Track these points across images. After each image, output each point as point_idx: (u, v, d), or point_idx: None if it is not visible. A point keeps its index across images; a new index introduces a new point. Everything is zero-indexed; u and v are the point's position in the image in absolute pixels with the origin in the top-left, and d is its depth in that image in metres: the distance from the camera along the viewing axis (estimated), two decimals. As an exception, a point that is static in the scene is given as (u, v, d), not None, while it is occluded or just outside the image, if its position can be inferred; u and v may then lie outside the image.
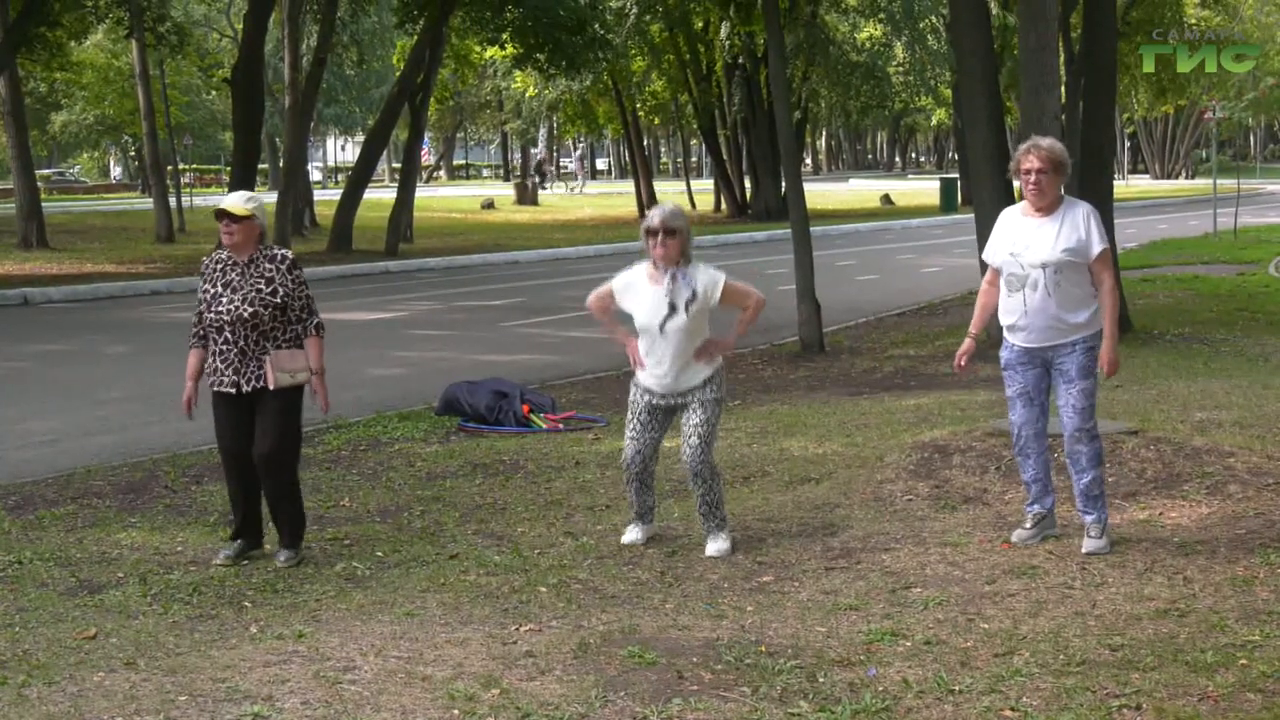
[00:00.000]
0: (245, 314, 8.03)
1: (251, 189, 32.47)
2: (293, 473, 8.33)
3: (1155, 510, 8.58)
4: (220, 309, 8.08)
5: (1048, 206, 7.78)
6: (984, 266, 8.20)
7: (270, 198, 32.03)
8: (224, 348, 8.11)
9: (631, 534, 8.38)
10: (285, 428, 8.19)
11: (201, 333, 8.26)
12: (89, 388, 15.49)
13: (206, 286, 8.21)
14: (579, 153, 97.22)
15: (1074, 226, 7.71)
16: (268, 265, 8.11)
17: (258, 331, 8.07)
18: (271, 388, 8.06)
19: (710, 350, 8.06)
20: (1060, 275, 7.67)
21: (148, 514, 9.52)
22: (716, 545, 8.11)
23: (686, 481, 8.26)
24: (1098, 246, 7.73)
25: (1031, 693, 5.65)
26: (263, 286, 8.06)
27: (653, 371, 8.06)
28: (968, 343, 8.17)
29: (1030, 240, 7.74)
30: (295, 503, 8.30)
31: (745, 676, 5.93)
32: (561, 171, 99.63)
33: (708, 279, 7.99)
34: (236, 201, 8.15)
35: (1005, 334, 7.96)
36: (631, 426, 8.24)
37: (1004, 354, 7.99)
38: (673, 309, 7.92)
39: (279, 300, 8.08)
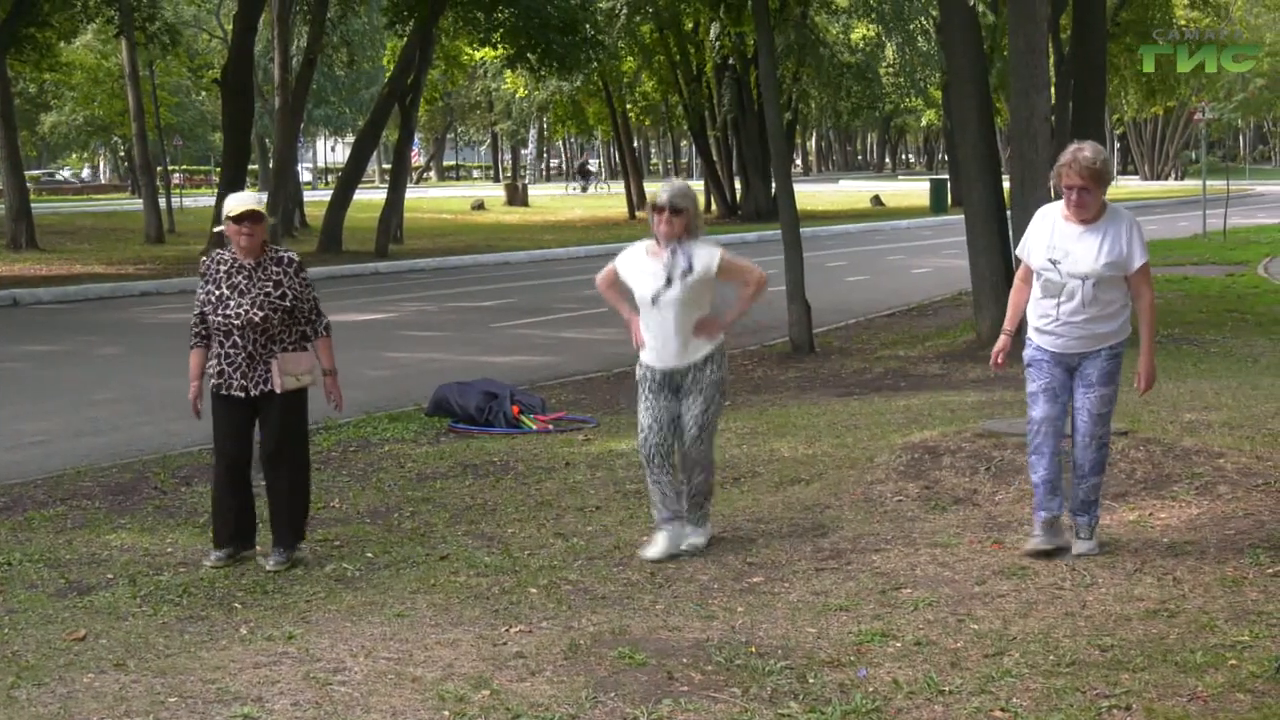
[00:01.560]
0: (256, 318, 7.97)
1: (241, 190, 32.50)
2: (302, 471, 8.29)
3: (1145, 511, 8.58)
4: (229, 312, 7.99)
5: (1091, 217, 7.67)
6: (1016, 262, 8.06)
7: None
8: (232, 352, 8.03)
9: (656, 546, 8.05)
10: (291, 427, 8.19)
11: (204, 333, 8.18)
12: (79, 389, 15.47)
13: (210, 288, 8.09)
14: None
15: (1117, 239, 7.55)
16: (275, 268, 8.05)
17: (266, 335, 8.02)
18: (279, 390, 8.03)
19: (710, 327, 8.02)
20: (1099, 288, 7.58)
21: (137, 515, 9.51)
22: (695, 540, 8.10)
23: (681, 468, 8.21)
24: (1139, 260, 7.60)
25: (1021, 693, 5.65)
26: (271, 290, 8.01)
27: (652, 346, 8.04)
28: (1003, 340, 8.01)
29: (1071, 248, 7.59)
30: (300, 502, 8.26)
31: (735, 677, 5.93)
32: (597, 172, 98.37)
33: (706, 252, 7.95)
34: (253, 202, 8.09)
35: (1032, 333, 7.85)
36: (643, 405, 8.16)
37: (1029, 351, 7.88)
38: (669, 281, 7.90)
39: (288, 304, 8.04)
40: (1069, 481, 7.94)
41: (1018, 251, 8.04)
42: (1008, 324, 8.09)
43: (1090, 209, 7.57)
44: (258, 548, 8.35)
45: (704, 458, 8.12)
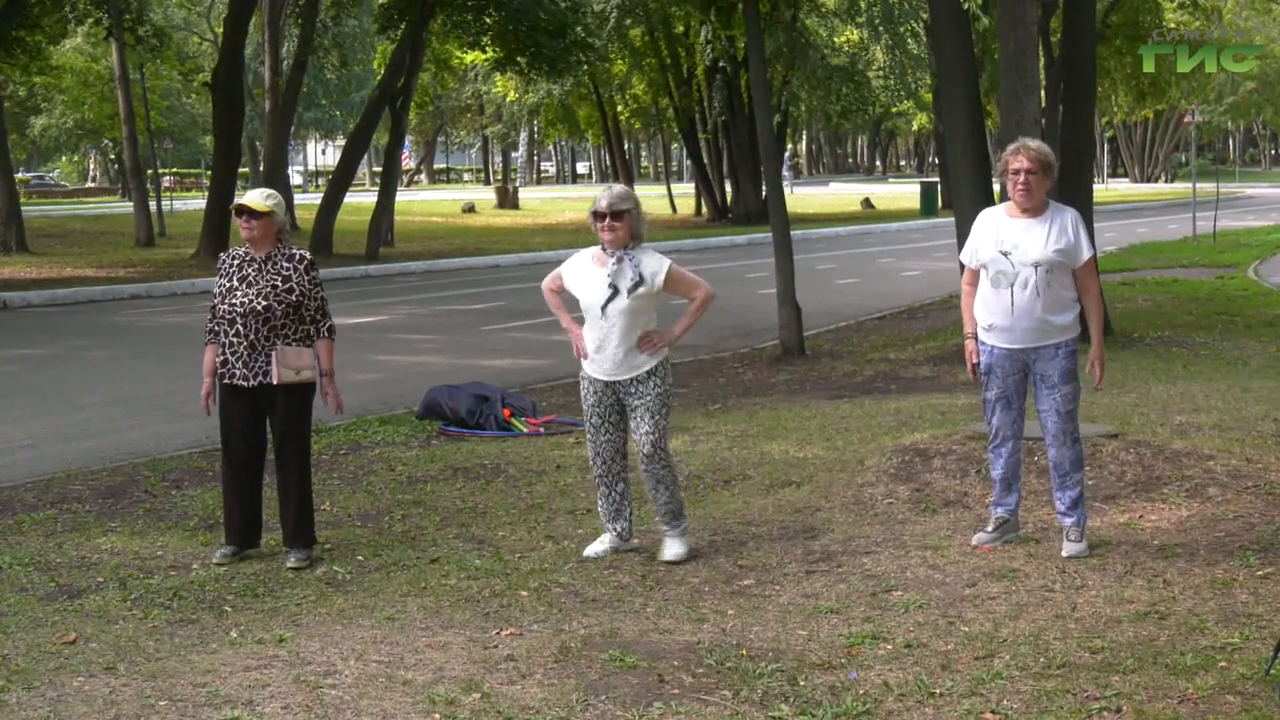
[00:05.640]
0: (259, 307, 8.09)
1: (232, 193, 32.49)
2: (301, 472, 8.36)
3: (1135, 513, 8.59)
4: (234, 301, 8.16)
5: (1035, 208, 7.77)
6: (964, 268, 8.18)
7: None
8: (234, 340, 8.17)
9: (595, 546, 8.24)
10: (290, 428, 8.28)
11: (215, 328, 8.31)
12: (68, 392, 15.45)
13: (222, 281, 8.29)
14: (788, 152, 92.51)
15: (1063, 229, 7.72)
16: (285, 264, 8.21)
17: (268, 326, 8.13)
18: (275, 382, 8.12)
19: (654, 341, 7.94)
20: (1050, 275, 7.69)
21: (127, 518, 9.49)
22: (675, 550, 8.03)
23: (645, 489, 8.20)
24: (1086, 252, 7.77)
25: (1012, 695, 5.66)
26: (279, 283, 8.15)
27: (595, 356, 7.99)
28: (970, 345, 8.06)
29: (1020, 240, 7.72)
30: (303, 501, 8.32)
31: (726, 680, 5.93)
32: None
33: (654, 264, 7.90)
34: (256, 198, 8.26)
35: (983, 335, 7.93)
36: (589, 427, 8.19)
37: (984, 357, 7.97)
38: (615, 291, 7.84)
39: (294, 298, 8.17)
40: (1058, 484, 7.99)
41: (962, 256, 8.17)
42: (968, 328, 8.14)
43: (1036, 196, 7.78)
44: (265, 544, 8.47)
45: (664, 475, 8.05)
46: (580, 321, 8.12)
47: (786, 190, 70.09)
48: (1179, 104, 63.37)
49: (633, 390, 7.97)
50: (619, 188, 8.09)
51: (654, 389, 7.97)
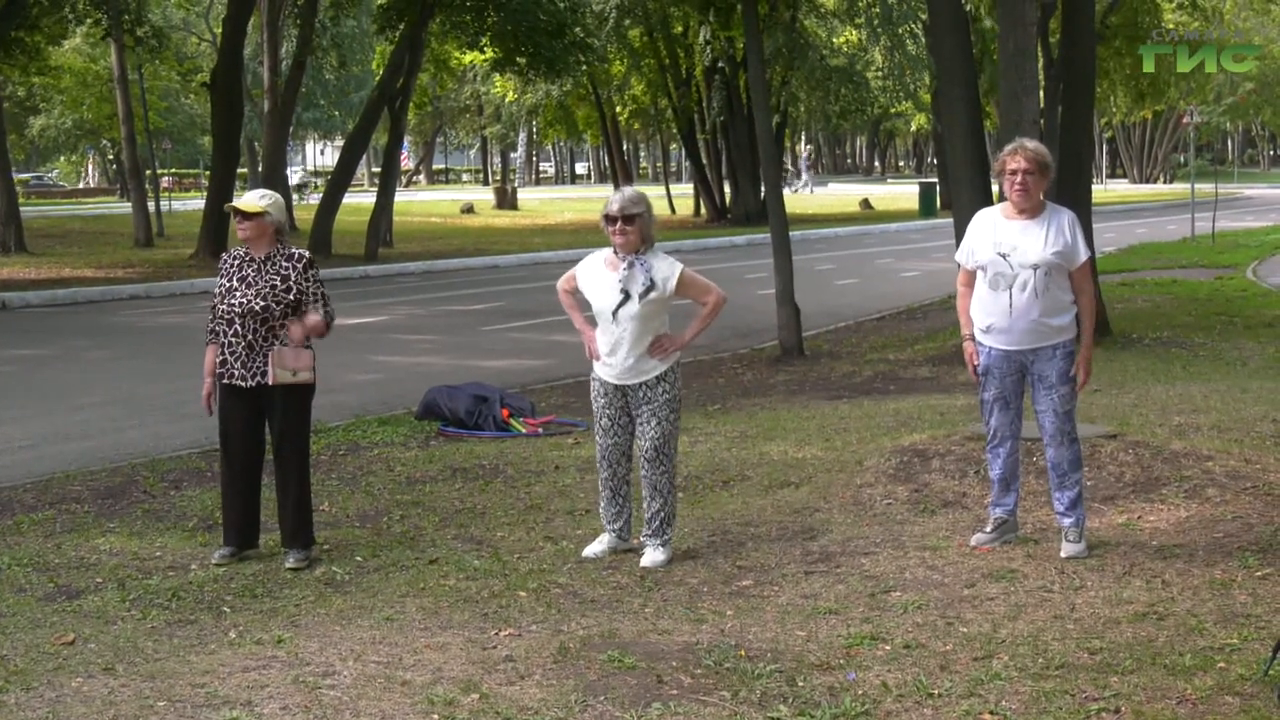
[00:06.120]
0: (256, 307, 8.11)
1: (230, 194, 32.49)
2: (300, 472, 8.37)
3: (1134, 514, 8.59)
4: (233, 301, 8.19)
5: (1033, 209, 7.77)
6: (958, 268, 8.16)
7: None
8: (233, 340, 8.20)
9: (594, 546, 8.23)
10: (289, 428, 8.29)
11: (215, 328, 8.34)
12: (67, 392, 15.45)
13: (222, 281, 8.32)
14: (807, 151, 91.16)
15: (1060, 231, 7.71)
16: (285, 264, 8.23)
17: (266, 326, 8.15)
18: (270, 383, 8.12)
19: (665, 346, 7.94)
20: (1049, 278, 7.68)
21: (126, 519, 9.49)
22: (654, 558, 7.98)
23: (642, 493, 8.19)
24: (1083, 254, 7.79)
25: (1010, 696, 5.66)
26: (278, 284, 8.17)
27: (607, 359, 8.00)
28: (969, 346, 8.05)
29: (1018, 241, 7.71)
30: (301, 502, 8.34)
31: (725, 681, 5.93)
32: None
33: (665, 269, 7.88)
34: (250, 199, 8.31)
35: (980, 336, 7.92)
36: (598, 428, 8.20)
37: (981, 358, 7.96)
38: (626, 296, 7.83)
39: (293, 298, 8.20)
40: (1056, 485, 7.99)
41: (957, 257, 8.14)
42: (965, 329, 8.12)
43: (1034, 196, 7.77)
44: (263, 545, 8.48)
45: (662, 483, 8.05)
46: (593, 322, 8.11)
47: (808, 192, 69.84)
48: (1178, 105, 63.37)
49: (642, 395, 7.97)
50: (630, 190, 8.06)
51: (663, 394, 7.97)
